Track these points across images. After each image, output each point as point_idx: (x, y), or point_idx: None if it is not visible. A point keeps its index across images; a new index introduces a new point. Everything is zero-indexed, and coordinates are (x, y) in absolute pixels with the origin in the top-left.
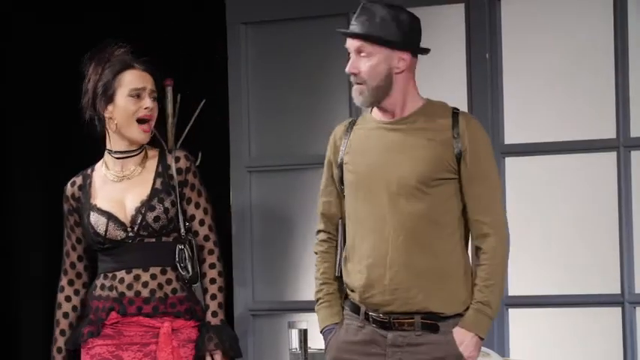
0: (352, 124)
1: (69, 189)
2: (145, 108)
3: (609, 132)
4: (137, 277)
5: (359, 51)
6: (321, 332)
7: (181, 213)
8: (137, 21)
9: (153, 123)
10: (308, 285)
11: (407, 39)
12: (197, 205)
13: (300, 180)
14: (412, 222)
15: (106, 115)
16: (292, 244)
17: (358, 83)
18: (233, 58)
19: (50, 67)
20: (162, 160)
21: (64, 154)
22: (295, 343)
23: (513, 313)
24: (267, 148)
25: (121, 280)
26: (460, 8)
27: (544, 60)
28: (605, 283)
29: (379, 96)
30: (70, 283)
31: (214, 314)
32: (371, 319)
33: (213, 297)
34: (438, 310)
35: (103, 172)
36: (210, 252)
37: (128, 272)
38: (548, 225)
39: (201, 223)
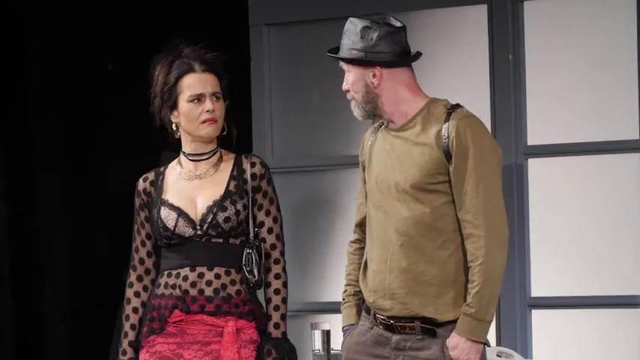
0: (378, 128)
1: (141, 184)
2: (207, 111)
3: (632, 133)
4: (201, 275)
5: (345, 68)
6: (342, 332)
7: (251, 218)
8: (160, 21)
9: (219, 118)
10: (331, 286)
11: (373, 54)
12: (267, 213)
13: (323, 181)
14: (410, 228)
15: (173, 120)
16: (315, 245)
17: (352, 98)
18: (256, 59)
19: (75, 68)
20: (237, 163)
21: (84, 153)
22: (318, 344)
23: (536, 314)
24: (290, 149)
25: (185, 278)
26: (483, 9)
27: (567, 61)
28: (628, 285)
29: (369, 109)
30: (139, 279)
31: (276, 326)
32: (378, 321)
33: (277, 308)
34: (431, 317)
35: (177, 170)
36: (277, 261)
37: (192, 270)
38: (570, 226)
39: (270, 231)
